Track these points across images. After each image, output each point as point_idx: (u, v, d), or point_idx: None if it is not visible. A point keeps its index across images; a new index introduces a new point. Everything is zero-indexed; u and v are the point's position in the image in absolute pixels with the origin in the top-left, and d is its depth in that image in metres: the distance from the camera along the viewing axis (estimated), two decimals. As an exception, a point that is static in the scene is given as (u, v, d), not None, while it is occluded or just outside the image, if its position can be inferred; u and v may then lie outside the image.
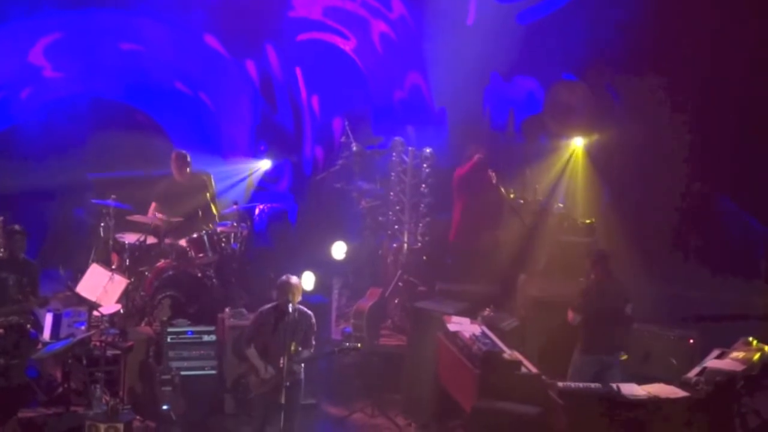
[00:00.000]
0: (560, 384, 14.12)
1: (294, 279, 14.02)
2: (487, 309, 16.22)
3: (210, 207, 18.35)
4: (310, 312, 14.10)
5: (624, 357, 15.19)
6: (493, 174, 18.46)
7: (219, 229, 17.95)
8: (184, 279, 17.04)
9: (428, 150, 18.48)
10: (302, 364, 13.95)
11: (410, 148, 18.54)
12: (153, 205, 18.09)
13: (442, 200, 18.85)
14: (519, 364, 14.43)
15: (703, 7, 18.78)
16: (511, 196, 18.64)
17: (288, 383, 13.59)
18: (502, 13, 20.04)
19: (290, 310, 13.80)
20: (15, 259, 15.83)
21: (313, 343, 14.09)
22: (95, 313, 16.08)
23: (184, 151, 18.35)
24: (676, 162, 18.84)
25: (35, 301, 15.64)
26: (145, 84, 20.17)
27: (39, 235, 17.92)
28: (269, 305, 14.12)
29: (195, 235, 17.51)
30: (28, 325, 15.30)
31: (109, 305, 16.29)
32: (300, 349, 13.82)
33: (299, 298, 13.98)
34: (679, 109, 18.96)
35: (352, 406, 16.25)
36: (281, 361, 13.60)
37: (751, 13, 18.63)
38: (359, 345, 15.37)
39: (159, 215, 17.76)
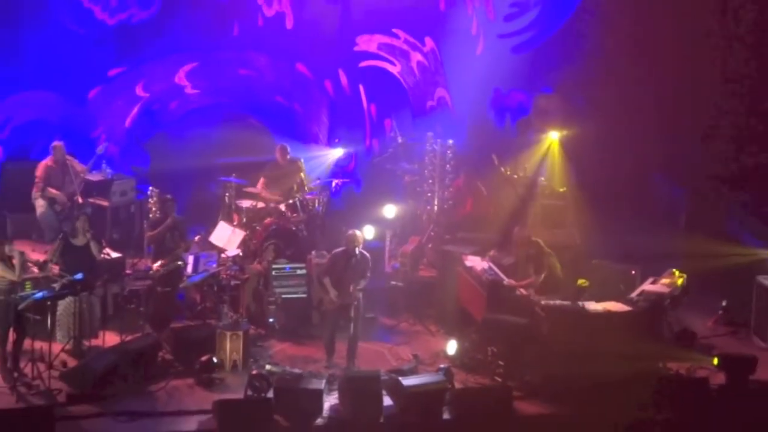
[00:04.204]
0: (543, 302, 14.15)
1: (357, 232, 14.08)
2: (493, 250, 16.01)
3: (302, 182, 18.19)
4: (368, 255, 14.11)
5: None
6: (495, 158, 18.36)
7: (307, 197, 17.77)
8: (283, 231, 16.79)
9: (451, 141, 18.34)
10: (361, 291, 13.98)
11: (438, 140, 18.42)
12: (261, 180, 17.92)
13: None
14: (514, 288, 14.56)
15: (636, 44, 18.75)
16: (508, 173, 18.50)
17: (355, 302, 13.73)
18: (502, 46, 19.91)
19: (356, 253, 13.86)
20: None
21: (368, 275, 14.10)
22: (223, 255, 15.99)
23: (285, 144, 18.26)
24: (622, 147, 18.81)
25: (184, 247, 15.67)
26: (255, 97, 20.02)
27: (184, 202, 17.80)
28: (340, 249, 14.14)
29: (291, 201, 17.34)
30: (180, 264, 15.34)
31: (232, 250, 16.22)
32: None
33: (361, 245, 13.99)
34: (623, 111, 18.89)
35: (399, 318, 16.05)
36: (350, 288, 13.73)
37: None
38: (401, 284, 16.08)
39: (263, 190, 17.73)
